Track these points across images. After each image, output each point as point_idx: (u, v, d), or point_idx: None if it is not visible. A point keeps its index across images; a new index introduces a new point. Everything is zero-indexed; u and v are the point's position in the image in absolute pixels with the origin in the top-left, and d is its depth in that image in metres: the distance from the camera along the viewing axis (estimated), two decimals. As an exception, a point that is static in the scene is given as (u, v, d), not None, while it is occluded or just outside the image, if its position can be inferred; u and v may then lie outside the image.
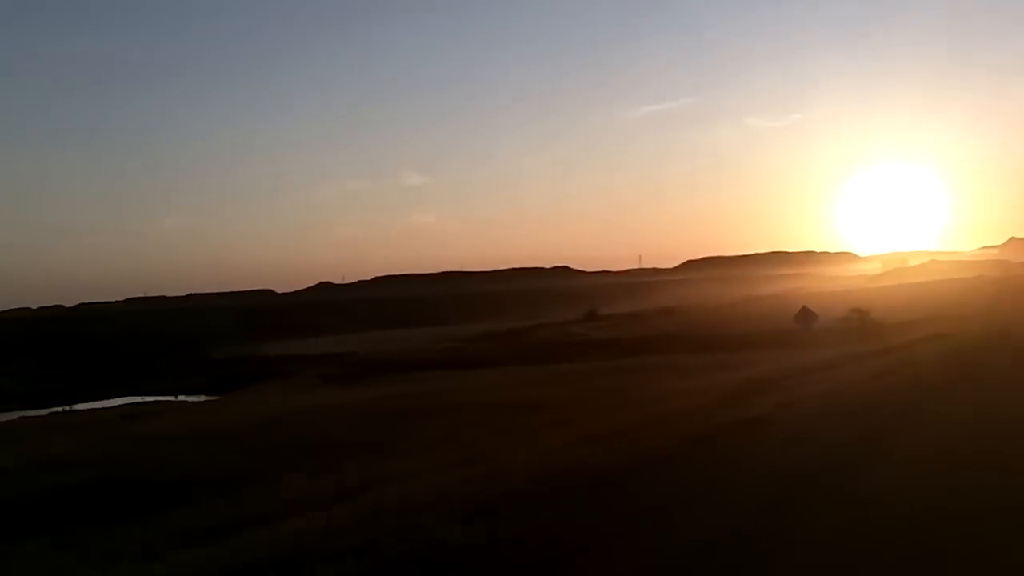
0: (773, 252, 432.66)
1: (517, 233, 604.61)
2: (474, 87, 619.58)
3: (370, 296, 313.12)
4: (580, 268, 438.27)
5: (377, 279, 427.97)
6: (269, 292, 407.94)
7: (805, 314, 59.38)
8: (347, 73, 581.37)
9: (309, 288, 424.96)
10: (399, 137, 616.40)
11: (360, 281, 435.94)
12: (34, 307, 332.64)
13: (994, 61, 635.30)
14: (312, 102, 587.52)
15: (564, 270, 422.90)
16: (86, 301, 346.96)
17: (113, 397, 78.70)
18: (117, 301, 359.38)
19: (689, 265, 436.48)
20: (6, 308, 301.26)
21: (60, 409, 67.66)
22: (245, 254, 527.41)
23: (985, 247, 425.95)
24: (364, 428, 29.17)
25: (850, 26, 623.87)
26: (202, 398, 74.18)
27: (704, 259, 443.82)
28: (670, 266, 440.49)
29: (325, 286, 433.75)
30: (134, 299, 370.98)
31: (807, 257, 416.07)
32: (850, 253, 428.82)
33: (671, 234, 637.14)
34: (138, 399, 75.71)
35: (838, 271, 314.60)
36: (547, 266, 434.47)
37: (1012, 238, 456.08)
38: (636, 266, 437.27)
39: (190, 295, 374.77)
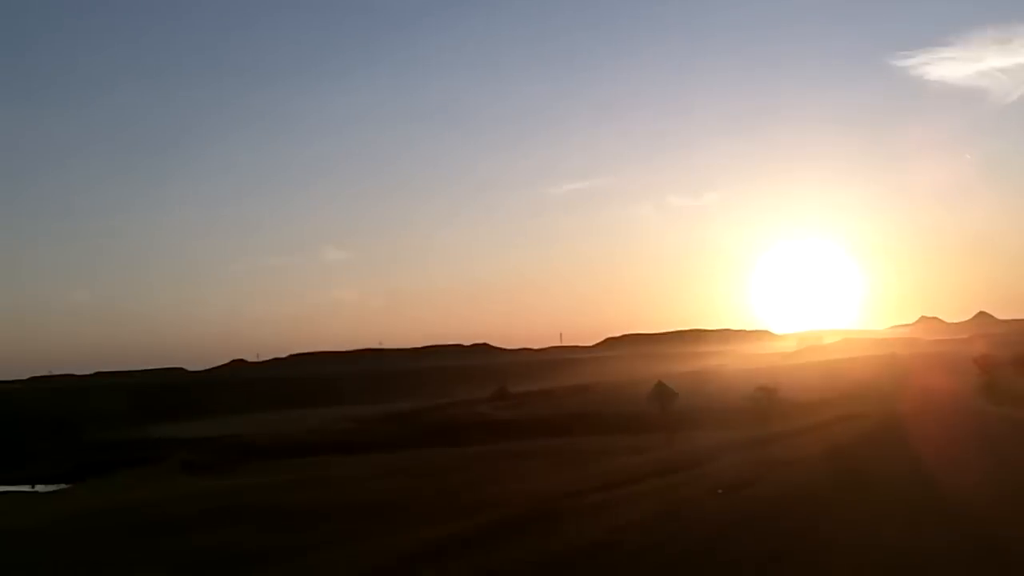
0: (692, 330, 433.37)
1: (438, 309, 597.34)
2: (396, 162, 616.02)
3: (283, 374, 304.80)
4: (500, 345, 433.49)
5: (292, 356, 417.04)
6: (180, 370, 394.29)
7: (660, 392, 52.67)
8: (265, 148, 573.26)
9: (221, 366, 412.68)
10: (319, 212, 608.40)
11: (275, 358, 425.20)
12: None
13: (896, 141, 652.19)
14: (229, 177, 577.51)
15: (484, 347, 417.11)
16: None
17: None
18: (19, 380, 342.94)
19: (610, 342, 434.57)
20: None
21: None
22: (157, 331, 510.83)
23: (897, 326, 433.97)
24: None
25: (765, 104, 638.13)
26: (60, 486, 67.49)
27: (624, 336, 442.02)
28: (591, 343, 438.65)
29: (238, 364, 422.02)
30: (37, 378, 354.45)
31: (724, 335, 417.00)
32: (766, 331, 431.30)
33: (592, 311, 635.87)
34: (-7, 488, 68.63)
35: (754, 348, 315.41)
36: (466, 343, 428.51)
37: (922, 316, 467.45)
38: (557, 343, 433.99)
39: (97, 373, 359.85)
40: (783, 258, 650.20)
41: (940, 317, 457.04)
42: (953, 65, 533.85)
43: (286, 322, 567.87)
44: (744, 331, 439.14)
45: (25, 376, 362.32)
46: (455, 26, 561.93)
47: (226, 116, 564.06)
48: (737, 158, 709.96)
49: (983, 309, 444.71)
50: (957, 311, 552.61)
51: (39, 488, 69.39)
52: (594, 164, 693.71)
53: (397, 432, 80.00)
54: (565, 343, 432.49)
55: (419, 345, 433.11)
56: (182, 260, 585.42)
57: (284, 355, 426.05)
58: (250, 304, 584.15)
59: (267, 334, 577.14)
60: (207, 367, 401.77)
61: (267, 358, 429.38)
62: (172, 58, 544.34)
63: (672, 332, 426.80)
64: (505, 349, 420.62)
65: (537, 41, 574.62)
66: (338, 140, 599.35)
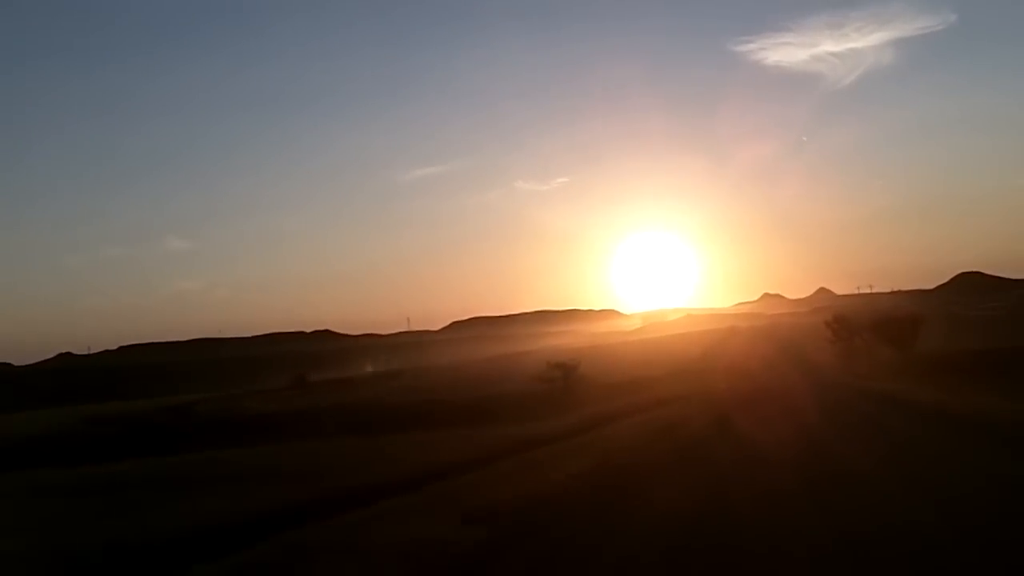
0: (539, 311, 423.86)
1: (284, 297, 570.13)
2: (239, 148, 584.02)
3: (108, 365, 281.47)
4: (344, 331, 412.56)
5: (122, 348, 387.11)
6: (7, 365, 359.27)
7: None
8: (105, 134, 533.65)
9: (47, 360, 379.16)
10: (159, 201, 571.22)
11: (105, 350, 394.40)
12: None
13: (738, 125, 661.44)
14: (66, 165, 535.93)
15: (326, 333, 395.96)
16: None
17: None
18: None
19: (456, 326, 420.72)
20: None
21: None
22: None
23: (740, 303, 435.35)
24: None
25: (611, 90, 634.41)
26: None
27: (471, 319, 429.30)
28: (437, 327, 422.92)
29: (65, 357, 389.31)
30: None
31: (572, 315, 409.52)
32: (613, 311, 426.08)
33: (440, 296, 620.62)
34: None
35: (600, 327, 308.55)
36: (308, 330, 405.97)
37: (765, 293, 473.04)
38: (405, 328, 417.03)
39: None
40: (631, 241, 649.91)
41: (782, 294, 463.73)
42: (789, 50, 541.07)
43: (125, 313, 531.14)
44: (591, 311, 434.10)
45: None
46: (302, 8, 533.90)
47: (63, 99, 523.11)
48: (584, 143, 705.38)
49: (823, 285, 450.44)
50: (798, 288, 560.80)
51: None
52: (443, 150, 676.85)
53: (109, 435, 61.40)
54: (413, 328, 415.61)
55: (259, 333, 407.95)
56: (14, 252, 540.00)
57: (114, 347, 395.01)
58: (88, 296, 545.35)
59: (104, 326, 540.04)
60: (32, 361, 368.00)
61: (98, 350, 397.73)
62: (2, 39, 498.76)
63: (519, 314, 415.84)
64: (349, 335, 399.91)
65: (385, 24, 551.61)
66: (181, 126, 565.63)
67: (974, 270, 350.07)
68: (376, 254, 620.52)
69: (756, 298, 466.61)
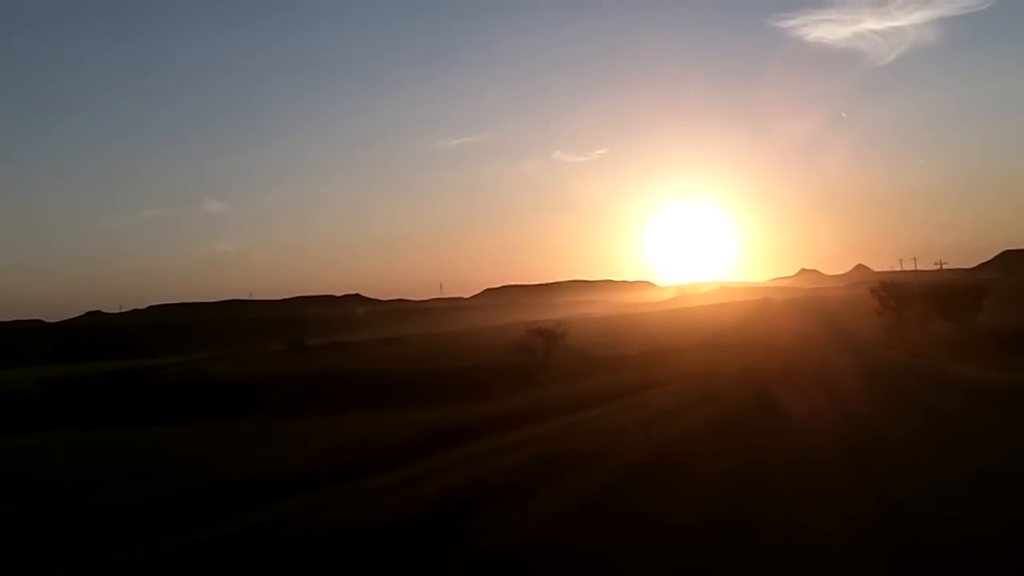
0: (573, 281, 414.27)
1: (318, 261, 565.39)
2: (279, 113, 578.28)
3: (134, 324, 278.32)
4: (374, 296, 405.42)
5: (152, 307, 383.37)
6: (37, 321, 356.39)
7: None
8: (143, 98, 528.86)
9: (76, 317, 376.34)
10: (199, 164, 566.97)
11: (135, 309, 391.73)
12: None
13: (778, 100, 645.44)
14: (107, 128, 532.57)
15: (356, 298, 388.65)
16: None
17: None
18: None
19: (488, 293, 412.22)
20: None
21: None
22: (26, 283, 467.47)
23: (777, 277, 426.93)
24: None
25: (651, 63, 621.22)
26: None
27: (503, 287, 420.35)
28: (469, 295, 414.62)
29: (95, 315, 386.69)
30: None
31: (606, 285, 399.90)
32: (648, 282, 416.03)
33: (474, 264, 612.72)
34: None
35: (632, 298, 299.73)
36: (338, 294, 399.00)
37: (802, 269, 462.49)
38: (437, 295, 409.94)
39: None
40: (668, 213, 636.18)
41: (819, 269, 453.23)
42: (831, 27, 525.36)
43: (162, 274, 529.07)
44: (626, 282, 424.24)
45: None
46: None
47: (105, 63, 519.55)
48: (623, 115, 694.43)
49: (861, 262, 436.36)
50: (836, 264, 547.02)
51: None
52: (482, 119, 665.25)
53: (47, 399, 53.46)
54: (445, 294, 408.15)
55: (289, 296, 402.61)
56: (54, 212, 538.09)
57: (144, 306, 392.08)
58: (126, 257, 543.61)
59: (141, 286, 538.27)
60: (64, 318, 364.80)
61: (128, 309, 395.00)
62: (41, 4, 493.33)
63: (552, 283, 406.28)
64: (379, 300, 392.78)
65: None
66: (221, 89, 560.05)
67: (1019, 248, 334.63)
68: (412, 221, 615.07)
69: (793, 273, 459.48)
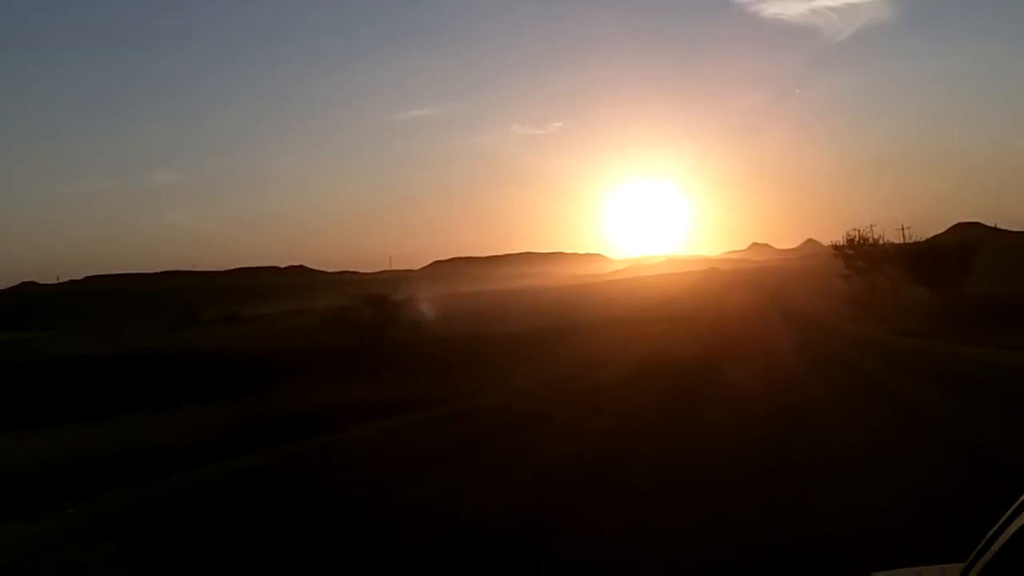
0: (523, 253, 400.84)
1: (268, 233, 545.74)
2: (236, 84, 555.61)
3: (63, 294, 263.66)
4: (320, 268, 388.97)
5: (88, 278, 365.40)
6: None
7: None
8: (94, 66, 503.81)
9: (7, 288, 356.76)
10: (151, 134, 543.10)
11: (71, 280, 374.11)
12: None
13: (734, 75, 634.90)
14: (57, 95, 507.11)
15: (300, 269, 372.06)
16: None
17: None
18: None
19: (437, 265, 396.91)
20: None
21: None
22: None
23: (729, 251, 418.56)
24: None
25: (609, 37, 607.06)
26: None
27: (452, 260, 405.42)
28: (418, 266, 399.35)
29: (29, 285, 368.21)
30: None
31: (556, 258, 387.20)
32: (599, 255, 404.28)
33: (426, 236, 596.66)
34: None
35: (583, 270, 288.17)
36: (282, 265, 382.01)
37: (754, 243, 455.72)
38: (387, 267, 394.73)
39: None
40: (623, 188, 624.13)
41: (770, 244, 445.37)
42: (788, 3, 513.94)
43: (112, 244, 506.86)
44: (577, 254, 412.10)
45: None
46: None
47: (58, 33, 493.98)
48: (581, 89, 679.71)
49: (811, 236, 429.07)
50: (787, 238, 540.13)
51: None
52: (440, 92, 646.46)
53: None
54: (395, 267, 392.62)
55: (231, 267, 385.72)
56: (4, 182, 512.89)
57: (80, 277, 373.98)
58: (78, 226, 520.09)
59: (89, 256, 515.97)
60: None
61: (65, 280, 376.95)
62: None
63: (502, 255, 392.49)
64: (323, 271, 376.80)
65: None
66: (176, 60, 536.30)
67: (972, 220, 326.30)
68: (366, 192, 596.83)
69: (745, 247, 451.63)
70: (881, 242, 49.34)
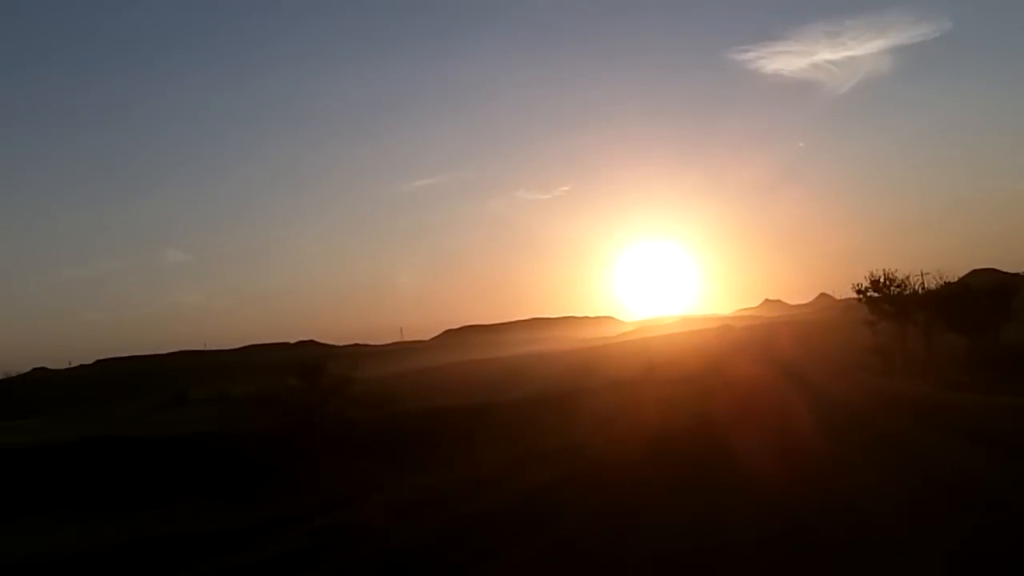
0: (533, 319, 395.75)
1: (278, 309, 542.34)
2: (242, 160, 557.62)
3: (74, 378, 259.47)
4: (329, 342, 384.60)
5: (99, 361, 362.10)
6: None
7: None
8: (100, 146, 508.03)
9: (21, 374, 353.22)
10: (159, 213, 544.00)
11: (81, 365, 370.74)
12: None
13: (738, 132, 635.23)
14: (60, 178, 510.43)
15: (310, 343, 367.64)
16: None
17: None
18: None
19: (448, 335, 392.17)
20: None
21: None
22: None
23: (742, 309, 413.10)
24: None
25: (612, 99, 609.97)
26: None
27: (463, 328, 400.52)
28: (429, 337, 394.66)
29: (40, 371, 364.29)
30: None
31: (567, 322, 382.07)
32: (611, 317, 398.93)
33: (436, 306, 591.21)
34: None
35: (594, 333, 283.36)
36: (292, 340, 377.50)
37: (766, 300, 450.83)
38: (398, 339, 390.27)
39: None
40: (632, 250, 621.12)
41: (783, 300, 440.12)
42: (788, 58, 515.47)
43: (121, 327, 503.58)
44: (588, 318, 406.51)
45: None
46: (302, 18, 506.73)
47: (63, 110, 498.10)
48: (586, 153, 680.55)
49: (823, 291, 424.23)
50: (800, 294, 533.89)
51: None
52: (445, 160, 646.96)
53: None
54: (406, 338, 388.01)
55: (241, 345, 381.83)
56: (12, 266, 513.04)
57: (91, 361, 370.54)
58: (87, 310, 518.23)
59: (99, 340, 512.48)
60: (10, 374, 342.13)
61: (76, 364, 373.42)
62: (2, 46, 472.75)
63: (512, 322, 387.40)
64: (333, 345, 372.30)
65: (386, 34, 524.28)
66: (178, 136, 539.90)
67: (988, 267, 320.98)
68: (374, 265, 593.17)
69: (757, 304, 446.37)
70: (910, 282, 44.41)
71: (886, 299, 43.96)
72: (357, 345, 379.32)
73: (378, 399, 30.33)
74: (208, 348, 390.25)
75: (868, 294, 44.76)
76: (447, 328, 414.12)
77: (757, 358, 54.66)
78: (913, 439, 17.07)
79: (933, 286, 44.27)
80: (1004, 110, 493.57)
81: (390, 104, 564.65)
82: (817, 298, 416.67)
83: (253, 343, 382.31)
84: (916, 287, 44.33)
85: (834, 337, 58.41)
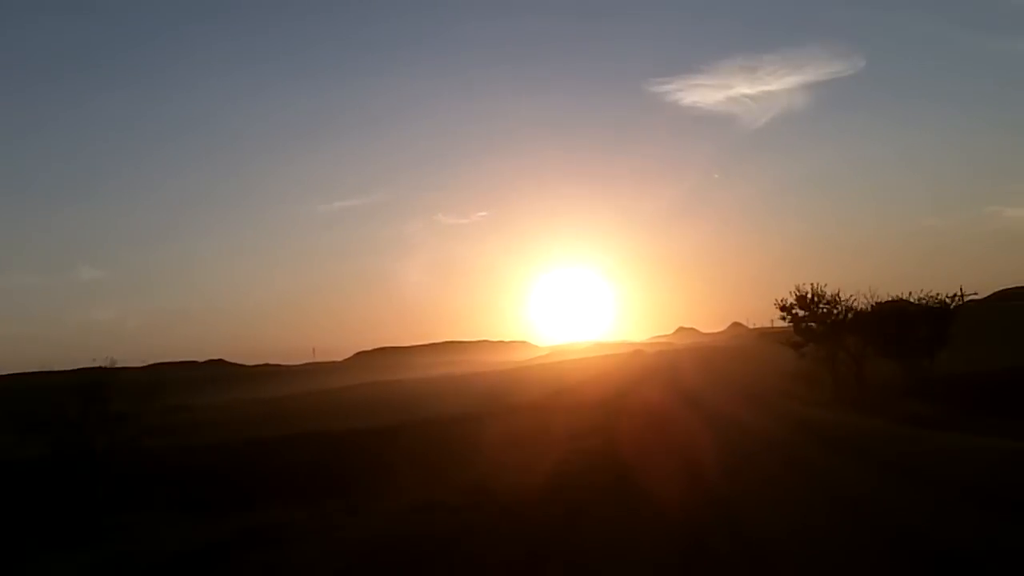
0: (447, 342, 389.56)
1: (192, 327, 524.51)
2: (159, 178, 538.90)
3: None
4: (239, 361, 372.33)
5: (7, 376, 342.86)
6: None
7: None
8: (11, 159, 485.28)
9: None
10: (72, 229, 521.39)
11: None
12: None
13: (655, 163, 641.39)
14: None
15: (219, 363, 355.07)
16: None
17: None
18: None
19: (360, 356, 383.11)
20: None
21: None
22: None
23: (656, 336, 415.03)
24: None
25: (532, 127, 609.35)
26: None
27: (376, 350, 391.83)
28: (341, 358, 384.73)
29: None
30: None
31: (481, 346, 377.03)
32: (525, 342, 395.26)
33: (351, 327, 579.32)
34: None
35: (507, 357, 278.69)
36: (200, 360, 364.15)
37: (680, 327, 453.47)
38: (310, 359, 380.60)
39: None
40: (549, 276, 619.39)
41: (696, 328, 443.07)
42: (705, 91, 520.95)
43: (28, 342, 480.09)
44: (503, 342, 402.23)
45: None
46: (223, 40, 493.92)
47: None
48: (506, 179, 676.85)
49: (736, 320, 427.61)
50: (713, 322, 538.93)
51: None
52: (365, 183, 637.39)
53: None
54: (318, 359, 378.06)
55: (149, 363, 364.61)
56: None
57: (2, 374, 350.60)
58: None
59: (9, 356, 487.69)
60: None
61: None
62: None
63: (426, 344, 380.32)
64: (241, 365, 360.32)
65: (306, 56, 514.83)
66: (95, 154, 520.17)
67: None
68: (289, 285, 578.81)
69: (671, 332, 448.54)
70: (841, 300, 39.43)
71: (814, 317, 39.15)
72: (267, 364, 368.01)
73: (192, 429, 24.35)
74: (116, 365, 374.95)
75: (793, 311, 39.89)
76: (360, 350, 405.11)
77: (661, 384, 50.03)
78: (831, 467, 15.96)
79: (863, 306, 39.53)
80: (913, 147, 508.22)
81: (309, 125, 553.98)
82: (730, 327, 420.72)
83: (161, 361, 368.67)
84: (845, 305, 39.59)
85: (752, 360, 54.21)
